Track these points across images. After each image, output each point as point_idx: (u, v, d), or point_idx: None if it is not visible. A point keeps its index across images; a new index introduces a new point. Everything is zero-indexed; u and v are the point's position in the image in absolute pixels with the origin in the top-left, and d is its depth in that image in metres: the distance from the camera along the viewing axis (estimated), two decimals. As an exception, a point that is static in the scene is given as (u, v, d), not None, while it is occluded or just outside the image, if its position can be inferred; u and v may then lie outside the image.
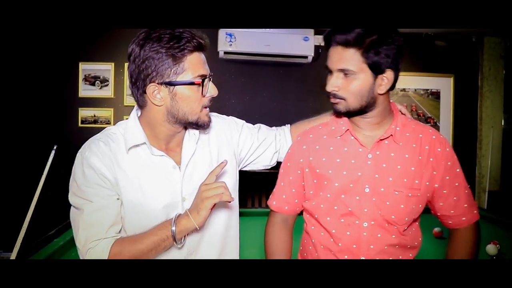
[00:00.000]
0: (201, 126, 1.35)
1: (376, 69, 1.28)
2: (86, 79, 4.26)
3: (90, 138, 1.36)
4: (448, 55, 4.62)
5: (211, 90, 1.33)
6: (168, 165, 1.36)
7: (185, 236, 1.33)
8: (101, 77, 4.25)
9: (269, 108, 4.44)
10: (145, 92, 1.29)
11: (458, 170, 1.39)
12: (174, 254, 1.36)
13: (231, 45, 4.08)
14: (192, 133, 1.41)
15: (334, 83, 1.31)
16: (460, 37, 4.58)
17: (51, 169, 1.45)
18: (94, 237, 1.27)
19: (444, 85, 4.64)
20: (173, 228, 1.26)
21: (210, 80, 1.32)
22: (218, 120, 1.54)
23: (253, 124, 1.68)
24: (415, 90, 4.61)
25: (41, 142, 3.88)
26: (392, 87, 1.34)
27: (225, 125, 1.53)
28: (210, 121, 1.37)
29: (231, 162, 1.48)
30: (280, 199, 1.50)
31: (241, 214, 3.16)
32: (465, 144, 4.65)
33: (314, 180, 1.41)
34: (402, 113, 1.46)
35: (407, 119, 1.43)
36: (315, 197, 1.40)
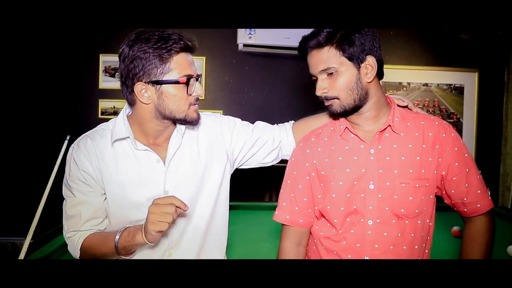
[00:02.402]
0: (190, 122, 1.39)
1: (356, 59, 1.29)
2: (106, 70, 4.29)
3: (83, 134, 1.45)
4: (473, 49, 4.49)
5: (198, 90, 1.36)
6: (152, 159, 1.42)
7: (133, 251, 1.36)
8: (121, 69, 4.28)
9: (288, 102, 4.39)
10: (133, 91, 1.34)
11: (466, 155, 1.35)
12: (155, 247, 1.42)
13: (250, 37, 4.05)
14: (179, 128, 1.45)
15: (321, 86, 1.33)
16: (486, 30, 4.45)
17: (65, 159, 1.46)
18: (72, 228, 1.41)
19: (468, 80, 4.52)
20: (117, 244, 1.32)
21: (196, 80, 1.36)
22: (210, 118, 1.56)
23: (269, 120, 1.66)
24: (438, 85, 4.51)
25: (61, 133, 3.93)
26: (381, 75, 1.35)
27: (216, 123, 1.54)
28: (198, 117, 1.40)
29: (220, 159, 1.51)
30: (293, 212, 1.42)
31: (258, 208, 3.21)
32: (489, 142, 4.53)
33: (321, 184, 1.38)
34: (408, 108, 1.45)
35: (407, 110, 1.41)
36: (323, 200, 1.37)
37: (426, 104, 4.47)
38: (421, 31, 4.46)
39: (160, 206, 1.22)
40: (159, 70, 1.30)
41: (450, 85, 4.51)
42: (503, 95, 4.52)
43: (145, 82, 1.31)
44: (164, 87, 1.32)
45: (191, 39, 1.33)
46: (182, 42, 1.31)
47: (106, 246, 1.35)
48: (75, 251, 1.42)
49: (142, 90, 1.32)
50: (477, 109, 4.53)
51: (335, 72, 1.29)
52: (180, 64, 1.31)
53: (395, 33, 4.41)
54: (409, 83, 4.49)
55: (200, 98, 1.40)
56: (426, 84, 4.50)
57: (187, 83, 1.32)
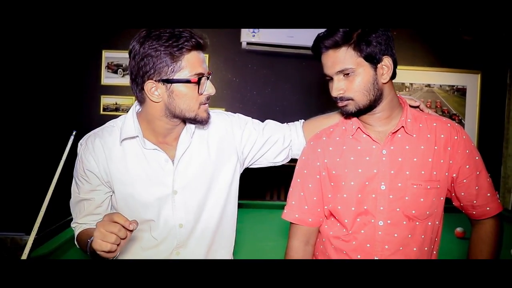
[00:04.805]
0: (200, 122, 1.37)
1: (373, 59, 1.27)
2: (108, 67, 4.28)
3: (92, 131, 1.45)
4: (476, 50, 4.49)
5: (209, 88, 1.34)
6: (161, 159, 1.41)
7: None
8: (123, 65, 4.26)
9: (291, 101, 4.39)
10: (143, 89, 1.32)
11: (477, 158, 1.35)
12: (163, 246, 1.43)
13: (254, 36, 4.04)
14: (189, 128, 1.43)
15: (337, 87, 1.30)
16: (488, 32, 4.45)
17: (71, 154, 1.46)
18: (74, 219, 1.48)
19: (471, 81, 4.52)
20: (88, 251, 1.31)
21: (208, 79, 1.34)
22: (221, 117, 1.54)
23: (272, 119, 1.64)
24: (441, 86, 4.51)
25: (63, 129, 3.93)
26: (394, 75, 1.33)
27: (227, 122, 1.52)
28: (208, 117, 1.38)
29: (230, 159, 1.50)
30: (303, 211, 1.41)
31: (259, 207, 3.21)
32: (490, 143, 4.53)
33: (331, 183, 1.37)
34: (420, 109, 1.45)
35: (418, 111, 1.41)
36: (333, 200, 1.37)
37: (428, 105, 4.47)
38: (424, 32, 4.45)
39: (105, 224, 1.13)
40: (170, 68, 1.28)
41: (453, 86, 4.51)
42: (505, 97, 4.52)
43: (155, 81, 1.29)
44: (175, 86, 1.30)
45: (202, 37, 1.31)
46: (193, 40, 1.28)
47: (85, 248, 1.35)
48: (75, 241, 1.48)
49: (152, 88, 1.30)
50: (479, 110, 4.53)
51: (352, 73, 1.27)
52: (191, 63, 1.29)
53: (398, 34, 4.41)
54: (411, 84, 4.49)
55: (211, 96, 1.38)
56: (428, 85, 4.50)
57: (198, 82, 1.30)
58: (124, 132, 1.38)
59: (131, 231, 1.15)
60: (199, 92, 1.31)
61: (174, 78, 1.29)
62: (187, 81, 1.29)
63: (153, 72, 1.28)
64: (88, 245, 1.32)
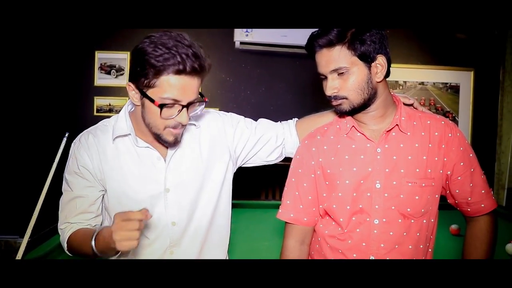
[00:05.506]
0: (164, 142, 1.36)
1: (367, 58, 1.27)
2: (102, 68, 4.27)
3: (85, 130, 1.45)
4: (469, 48, 4.51)
5: (180, 117, 1.29)
6: (153, 156, 1.41)
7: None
8: (116, 66, 4.25)
9: (285, 100, 4.39)
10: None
11: (471, 155, 1.35)
12: (156, 245, 1.42)
13: (247, 35, 4.04)
14: None
15: (332, 86, 1.29)
16: (482, 30, 4.47)
17: (64, 156, 1.45)
18: (64, 219, 1.41)
19: (464, 79, 4.54)
20: (94, 250, 1.26)
21: (184, 108, 1.28)
22: (213, 116, 1.53)
23: (267, 117, 1.64)
24: (434, 83, 4.53)
25: (56, 130, 3.89)
26: (388, 74, 1.33)
27: (219, 121, 1.52)
28: (175, 142, 1.35)
29: (222, 157, 1.49)
30: (298, 210, 1.40)
31: (254, 207, 3.21)
32: (484, 140, 4.55)
33: (326, 182, 1.37)
34: (414, 106, 1.45)
35: (412, 109, 1.41)
36: (328, 199, 1.36)
37: (422, 103, 4.48)
38: (418, 30, 4.47)
39: (122, 225, 1.14)
40: (146, 81, 1.25)
41: (446, 83, 4.53)
42: (498, 94, 4.55)
43: (135, 86, 1.29)
44: (146, 99, 1.28)
45: (199, 63, 1.25)
46: (181, 65, 1.22)
47: (85, 248, 1.31)
48: (64, 243, 1.42)
49: (133, 91, 1.31)
50: (473, 107, 4.56)
51: (346, 72, 1.26)
52: (167, 86, 1.24)
53: (392, 32, 4.38)
54: (405, 82, 4.50)
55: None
56: (422, 83, 4.52)
57: (161, 107, 1.25)
58: (116, 130, 1.39)
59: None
60: (162, 116, 1.27)
61: (146, 92, 1.26)
62: (152, 101, 1.26)
63: (134, 77, 1.28)
64: (92, 237, 1.26)
